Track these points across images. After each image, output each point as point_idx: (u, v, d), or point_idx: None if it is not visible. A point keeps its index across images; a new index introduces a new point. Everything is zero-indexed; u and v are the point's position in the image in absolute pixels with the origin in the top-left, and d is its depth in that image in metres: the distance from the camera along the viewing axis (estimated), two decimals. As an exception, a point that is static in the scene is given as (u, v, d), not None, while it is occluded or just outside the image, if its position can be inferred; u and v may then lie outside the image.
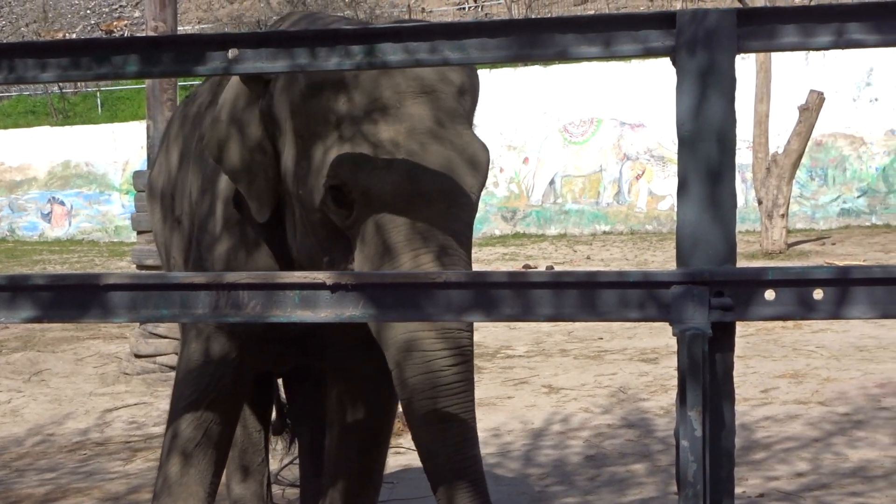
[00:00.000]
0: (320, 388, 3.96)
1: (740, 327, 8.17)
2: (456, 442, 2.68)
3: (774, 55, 15.46)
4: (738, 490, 4.70)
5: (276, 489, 4.64)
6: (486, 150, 2.83)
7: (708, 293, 2.17)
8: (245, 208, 3.03)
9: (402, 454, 5.47)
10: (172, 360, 7.91)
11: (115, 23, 33.80)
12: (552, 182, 20.88)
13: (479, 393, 6.66)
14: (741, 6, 2.90)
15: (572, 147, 20.82)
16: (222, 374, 3.19)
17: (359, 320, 2.29)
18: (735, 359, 6.17)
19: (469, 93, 2.92)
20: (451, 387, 2.65)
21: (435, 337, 2.64)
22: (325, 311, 2.28)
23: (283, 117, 2.89)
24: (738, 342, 8.47)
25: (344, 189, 2.71)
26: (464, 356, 2.67)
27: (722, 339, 2.20)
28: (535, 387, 7.25)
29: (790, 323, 8.47)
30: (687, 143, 2.21)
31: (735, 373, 6.03)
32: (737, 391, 6.43)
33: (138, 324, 7.94)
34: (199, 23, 31.77)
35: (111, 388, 7.80)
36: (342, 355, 3.31)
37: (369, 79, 2.76)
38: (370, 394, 3.37)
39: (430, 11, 30.50)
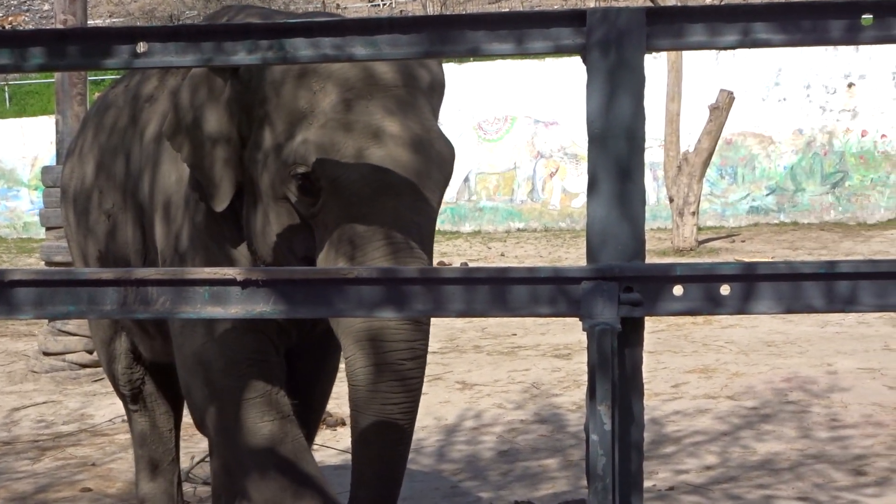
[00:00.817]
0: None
1: (651, 323, 8.30)
2: (393, 439, 2.74)
3: (685, 55, 15.65)
4: (648, 483, 4.75)
5: (187, 487, 4.60)
6: (452, 147, 2.84)
7: (617, 289, 2.19)
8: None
9: (316, 451, 5.44)
10: (82, 357, 7.80)
11: (18, 17, 33.12)
12: (466, 179, 20.94)
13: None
14: (651, 5, 2.92)
15: (486, 144, 20.89)
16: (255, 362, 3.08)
17: (269, 316, 2.28)
18: (645, 354, 6.24)
19: (437, 90, 2.94)
20: (403, 383, 2.70)
21: (393, 330, 2.66)
22: (235, 308, 2.26)
23: (252, 106, 2.86)
24: (649, 338, 8.54)
25: (311, 177, 2.70)
26: (417, 353, 2.71)
27: (631, 333, 2.22)
28: (449, 383, 7.26)
29: (700, 319, 8.59)
30: (597, 140, 2.23)
31: (645, 368, 6.09)
32: (647, 386, 6.49)
33: (47, 321, 7.81)
34: (110, 17, 31.31)
35: (19, 386, 7.66)
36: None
37: (342, 71, 2.76)
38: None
39: (345, 8, 30.39)
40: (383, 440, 2.74)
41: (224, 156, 2.91)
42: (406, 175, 2.69)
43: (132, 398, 4.00)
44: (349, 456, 5.29)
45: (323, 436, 5.75)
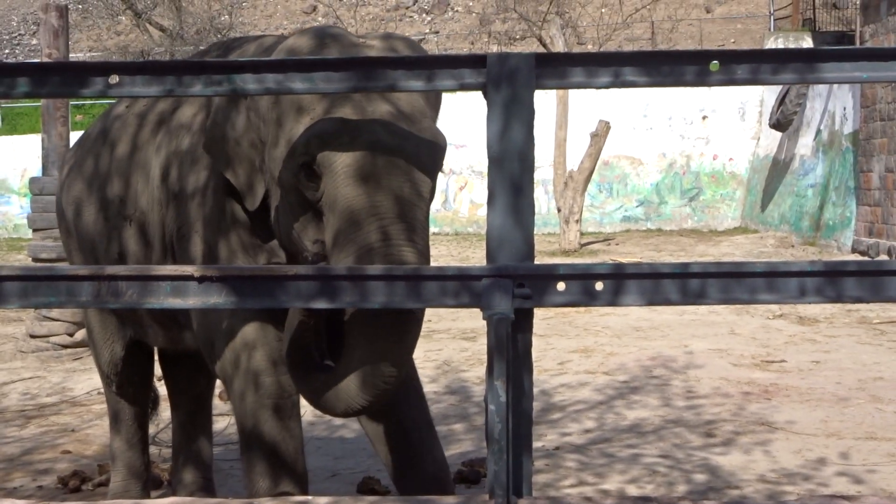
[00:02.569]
0: (197, 367, 3.86)
1: (540, 312, 8.33)
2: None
3: (570, 91, 15.79)
4: (538, 444, 4.78)
5: (153, 449, 4.53)
6: (443, 137, 2.70)
7: (511, 284, 2.21)
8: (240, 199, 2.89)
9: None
10: (64, 339, 7.65)
11: None
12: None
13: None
14: (543, 51, 2.96)
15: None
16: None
17: (221, 307, 2.26)
18: (536, 337, 6.29)
19: (436, 95, 2.81)
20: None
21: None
22: (193, 299, 2.24)
23: (265, 108, 2.76)
24: (539, 323, 8.58)
25: (313, 164, 2.57)
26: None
27: (522, 322, 2.24)
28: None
29: (582, 308, 8.65)
30: (495, 161, 2.25)
31: (536, 348, 6.16)
32: (537, 364, 6.54)
33: (33, 308, 7.64)
34: (89, 51, 30.72)
35: (8, 364, 7.48)
36: None
37: None
38: None
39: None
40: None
41: (252, 159, 2.81)
42: (399, 158, 2.54)
43: (120, 386, 3.82)
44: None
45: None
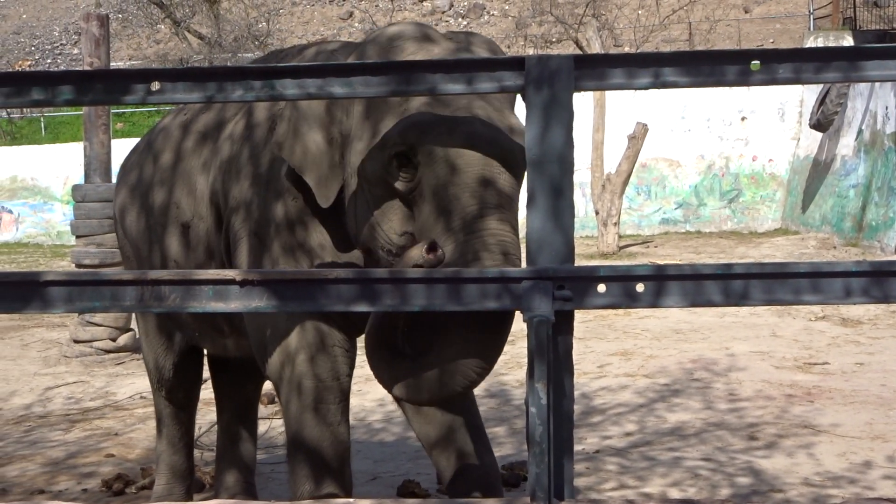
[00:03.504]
0: (245, 372, 3.91)
1: (579, 314, 8.32)
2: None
3: (608, 93, 15.73)
4: (578, 448, 4.76)
5: (196, 452, 4.56)
6: None
7: (552, 287, 2.20)
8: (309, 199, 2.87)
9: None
10: (107, 344, 7.74)
11: (24, 62, 32.34)
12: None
13: (367, 370, 6.63)
14: (580, 53, 2.94)
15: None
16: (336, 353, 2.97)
17: (263, 310, 2.27)
18: (575, 340, 6.28)
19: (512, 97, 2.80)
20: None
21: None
22: (235, 303, 2.25)
23: (350, 105, 2.76)
24: (578, 326, 8.56)
25: (409, 153, 2.55)
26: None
27: (563, 324, 2.23)
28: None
29: (621, 311, 8.62)
30: (534, 164, 2.24)
31: (575, 352, 6.12)
32: (577, 367, 6.52)
33: (77, 314, 7.73)
34: (129, 60, 31.05)
35: (53, 368, 7.57)
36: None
37: None
38: None
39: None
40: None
41: (329, 156, 2.79)
42: (494, 148, 2.55)
43: (170, 390, 3.84)
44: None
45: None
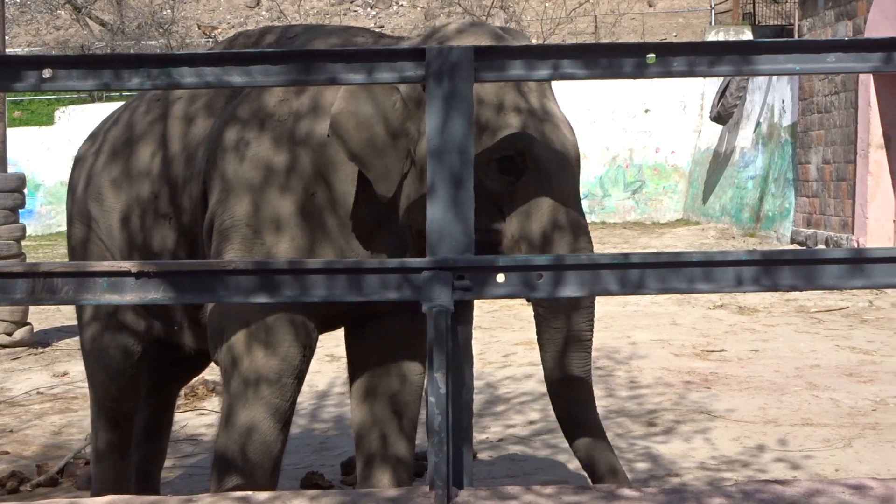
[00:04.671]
0: (188, 368, 3.78)
1: (486, 304, 8.30)
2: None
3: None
4: (482, 436, 4.80)
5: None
6: None
7: (451, 277, 2.21)
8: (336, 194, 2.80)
9: (206, 415, 5.36)
10: (2, 339, 7.53)
11: None
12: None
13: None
14: (479, 44, 2.95)
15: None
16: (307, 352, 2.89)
17: (159, 302, 2.24)
18: (481, 330, 6.27)
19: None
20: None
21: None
22: (131, 295, 2.21)
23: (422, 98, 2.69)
24: (485, 317, 8.58)
25: (516, 159, 2.63)
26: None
27: (462, 314, 2.25)
28: (319, 356, 7.18)
29: (527, 300, 8.66)
30: (434, 155, 2.25)
31: (481, 341, 6.13)
32: (482, 356, 6.56)
33: (-29, 308, 7.48)
34: (28, 46, 30.17)
35: (-54, 364, 7.34)
36: (388, 321, 3.04)
37: None
38: (407, 356, 3.12)
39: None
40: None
41: (395, 146, 2.73)
42: (575, 155, 2.74)
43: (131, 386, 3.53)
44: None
45: (212, 402, 5.67)
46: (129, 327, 3.41)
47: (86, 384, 4.22)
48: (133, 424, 3.64)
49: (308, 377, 5.91)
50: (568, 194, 2.69)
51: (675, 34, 27.10)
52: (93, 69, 2.22)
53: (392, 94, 2.71)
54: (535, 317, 2.73)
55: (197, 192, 2.98)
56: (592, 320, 2.75)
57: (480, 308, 8.23)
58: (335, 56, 2.25)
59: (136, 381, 3.49)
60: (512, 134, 2.65)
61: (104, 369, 3.46)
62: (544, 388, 5.96)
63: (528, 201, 2.65)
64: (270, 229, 2.78)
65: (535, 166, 2.64)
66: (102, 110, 18.08)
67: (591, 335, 2.76)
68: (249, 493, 2.21)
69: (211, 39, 27.17)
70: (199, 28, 28.17)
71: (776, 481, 2.24)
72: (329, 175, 2.81)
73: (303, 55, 2.28)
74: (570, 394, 2.76)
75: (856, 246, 10.77)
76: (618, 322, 7.98)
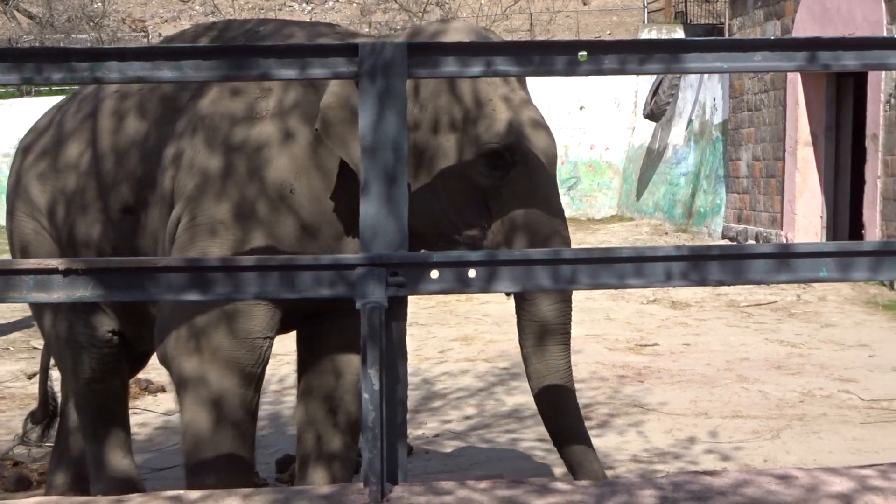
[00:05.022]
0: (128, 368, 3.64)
1: (422, 300, 8.31)
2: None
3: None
4: (418, 432, 4.80)
5: (21, 449, 4.39)
6: None
7: (385, 273, 2.21)
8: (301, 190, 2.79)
9: (139, 414, 5.28)
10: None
11: None
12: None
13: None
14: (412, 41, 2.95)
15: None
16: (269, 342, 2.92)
17: (88, 300, 2.20)
18: (418, 326, 6.28)
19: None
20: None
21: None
22: (58, 293, 2.18)
23: (427, 94, 2.75)
24: (421, 313, 8.58)
25: (505, 152, 2.68)
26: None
27: (396, 310, 2.25)
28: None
29: (463, 297, 8.70)
30: (368, 151, 2.25)
31: (417, 337, 6.14)
32: (419, 352, 6.57)
33: None
34: (-47, 38, 29.41)
35: None
36: (342, 319, 3.00)
37: None
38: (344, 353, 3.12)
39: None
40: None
41: None
42: (555, 149, 2.82)
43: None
44: (169, 417, 5.16)
45: (145, 401, 5.59)
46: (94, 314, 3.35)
47: (14, 383, 4.16)
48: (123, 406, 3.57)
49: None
50: (552, 188, 2.76)
51: (609, 32, 27.35)
52: (15, 63, 2.17)
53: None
54: (516, 310, 2.79)
55: (165, 190, 2.93)
56: (569, 313, 2.80)
57: (417, 304, 8.23)
58: (267, 52, 2.24)
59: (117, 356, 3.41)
60: (503, 128, 2.70)
61: (77, 352, 3.37)
62: (480, 384, 6.02)
63: (516, 196, 2.69)
64: (244, 226, 2.78)
65: (523, 161, 2.69)
66: (33, 105, 17.73)
67: (569, 327, 2.80)
68: (181, 492, 2.19)
69: (141, 34, 26.79)
70: (123, 22, 27.68)
71: (706, 473, 2.28)
72: (309, 172, 2.81)
73: (235, 50, 2.27)
74: (550, 395, 2.79)
75: (784, 241, 10.98)
76: (553, 317, 8.03)
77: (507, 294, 2.63)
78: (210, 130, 2.86)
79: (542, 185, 2.73)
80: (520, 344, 2.81)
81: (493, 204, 2.70)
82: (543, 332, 2.73)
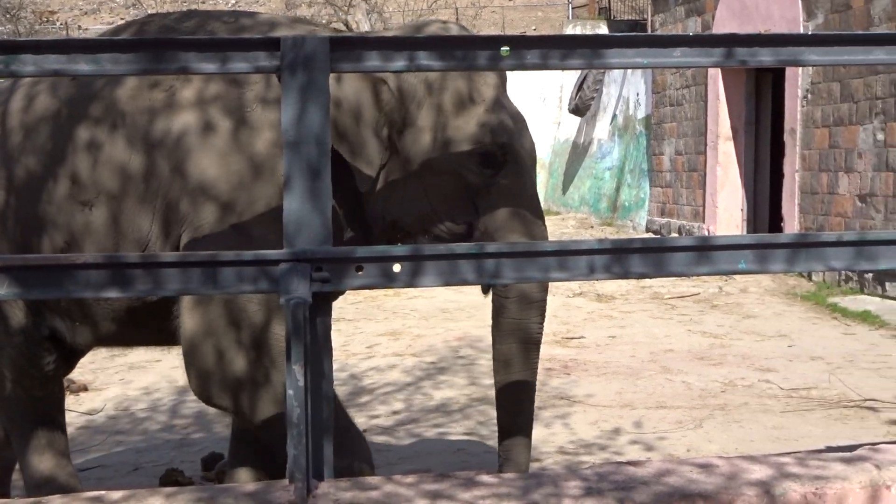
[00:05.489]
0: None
1: (349, 296, 8.23)
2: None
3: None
4: (346, 428, 4.78)
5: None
6: None
7: (309, 269, 2.20)
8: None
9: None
10: None
11: None
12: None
13: (132, 358, 6.40)
14: (337, 33, 2.94)
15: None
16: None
17: (4, 298, 2.15)
18: (345, 321, 6.25)
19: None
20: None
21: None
22: (-27, 292, 2.12)
23: (418, 91, 2.78)
24: (349, 308, 8.54)
25: (497, 152, 2.74)
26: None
27: (321, 305, 2.23)
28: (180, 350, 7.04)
29: (390, 291, 8.69)
30: (291, 146, 2.23)
31: (345, 333, 6.10)
32: (346, 347, 6.55)
33: None
34: None
35: None
36: None
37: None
38: None
39: (86, 29, 28.89)
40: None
41: (378, 137, 2.76)
42: (535, 149, 2.91)
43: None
44: (91, 417, 5.08)
45: (67, 401, 5.47)
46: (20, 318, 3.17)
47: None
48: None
49: (168, 372, 5.79)
50: (535, 189, 2.86)
51: (534, 27, 27.54)
52: (-73, 56, 2.11)
53: (380, 83, 2.77)
54: (493, 308, 2.85)
55: (79, 176, 2.85)
56: (543, 316, 2.88)
57: (344, 299, 8.20)
58: (188, 45, 2.20)
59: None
60: (496, 127, 2.77)
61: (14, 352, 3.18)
62: (408, 379, 6.01)
63: (504, 195, 2.76)
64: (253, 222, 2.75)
65: (513, 160, 2.77)
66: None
67: (541, 331, 2.88)
68: (103, 492, 2.15)
69: (52, 24, 26.21)
70: (34, 14, 27.05)
71: (629, 463, 2.31)
72: (230, 158, 2.76)
73: (154, 43, 2.23)
74: (509, 394, 2.86)
75: (706, 234, 11.17)
76: (480, 311, 8.05)
77: (485, 290, 2.79)
78: (131, 128, 2.82)
79: (527, 185, 2.82)
80: (492, 343, 2.88)
81: (481, 201, 2.77)
82: (516, 334, 2.83)
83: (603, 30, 18.44)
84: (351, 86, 2.75)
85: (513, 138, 2.78)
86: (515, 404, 2.85)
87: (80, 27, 29.34)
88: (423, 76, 2.80)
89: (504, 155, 2.76)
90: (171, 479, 3.96)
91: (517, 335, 2.82)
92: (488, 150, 2.74)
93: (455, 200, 2.78)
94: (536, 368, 2.89)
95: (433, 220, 2.80)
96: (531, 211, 2.80)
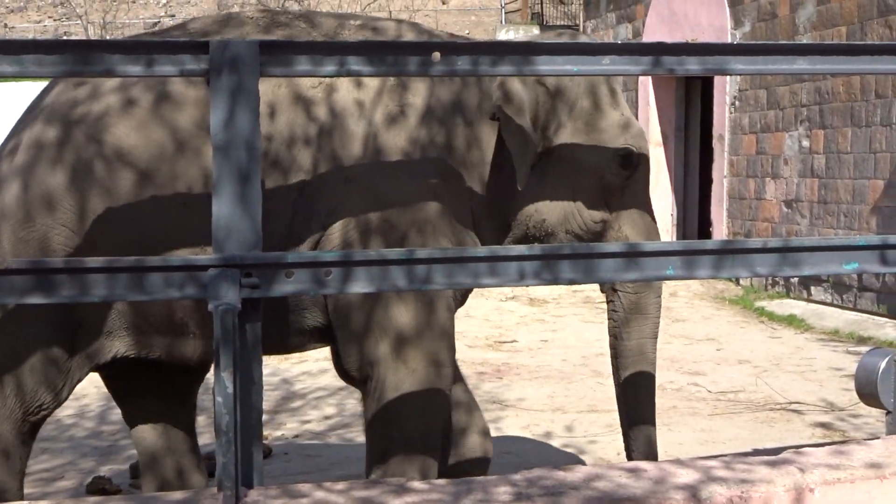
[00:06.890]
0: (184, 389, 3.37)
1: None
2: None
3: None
4: (277, 433, 4.75)
5: None
6: None
7: (239, 274, 2.17)
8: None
9: None
10: None
11: None
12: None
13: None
14: (264, 38, 2.88)
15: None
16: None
17: (-79, 305, 2.09)
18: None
19: None
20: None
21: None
22: None
23: (572, 91, 2.91)
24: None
25: (633, 154, 2.92)
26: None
27: (251, 312, 2.21)
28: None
29: (323, 295, 8.64)
30: (220, 150, 2.20)
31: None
32: (278, 352, 6.49)
33: None
34: None
35: None
36: None
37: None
38: None
39: (13, 27, 28.30)
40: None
41: (536, 141, 2.86)
42: None
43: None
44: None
45: None
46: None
47: None
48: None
49: (95, 377, 5.71)
50: (650, 191, 3.09)
51: (467, 32, 27.61)
52: None
53: (537, 84, 2.88)
54: (609, 327, 3.10)
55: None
56: (657, 330, 3.06)
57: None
58: (113, 47, 2.17)
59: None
60: (636, 131, 2.96)
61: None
62: (340, 383, 5.99)
63: (632, 195, 2.97)
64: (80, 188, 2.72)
65: (644, 163, 2.98)
66: None
67: (655, 346, 3.08)
68: (26, 503, 2.11)
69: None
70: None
71: (559, 468, 2.33)
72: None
73: (78, 45, 2.19)
74: (632, 406, 3.15)
75: (637, 238, 11.30)
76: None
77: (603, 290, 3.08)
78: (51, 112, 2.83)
79: (647, 187, 3.04)
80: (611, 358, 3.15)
81: (613, 201, 2.95)
82: (633, 352, 3.08)
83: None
84: (517, 84, 2.86)
85: (643, 143, 2.98)
86: (647, 397, 3.10)
87: (6, 25, 28.72)
88: (575, 79, 2.92)
89: (639, 157, 2.94)
90: (98, 487, 3.89)
91: (632, 351, 3.07)
92: (629, 151, 2.92)
93: (596, 200, 2.93)
94: (654, 378, 3.11)
95: (576, 218, 2.93)
96: (649, 212, 3.02)
